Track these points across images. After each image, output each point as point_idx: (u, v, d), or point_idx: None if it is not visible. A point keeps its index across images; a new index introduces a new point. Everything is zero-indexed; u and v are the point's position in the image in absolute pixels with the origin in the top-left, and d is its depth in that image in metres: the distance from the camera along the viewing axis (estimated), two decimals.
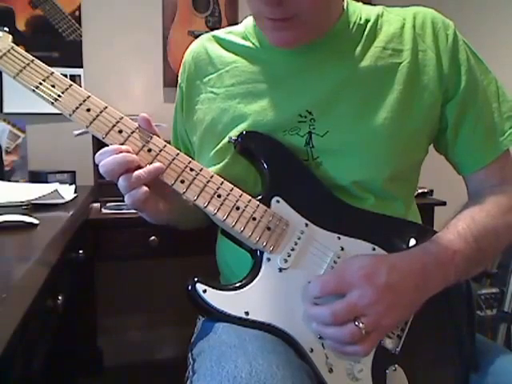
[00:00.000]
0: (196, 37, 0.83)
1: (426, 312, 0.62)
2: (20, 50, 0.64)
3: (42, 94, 0.62)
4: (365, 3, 0.75)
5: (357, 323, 0.55)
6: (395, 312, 0.58)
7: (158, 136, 0.65)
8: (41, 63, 0.64)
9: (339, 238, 0.64)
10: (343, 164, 0.67)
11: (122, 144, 0.62)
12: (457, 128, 0.71)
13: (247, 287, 0.61)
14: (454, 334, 0.68)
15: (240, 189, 0.64)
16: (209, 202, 0.62)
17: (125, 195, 0.62)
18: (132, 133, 0.63)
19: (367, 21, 0.71)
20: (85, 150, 1.45)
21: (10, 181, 1.35)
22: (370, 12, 0.72)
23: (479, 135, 0.71)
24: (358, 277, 0.57)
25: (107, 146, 0.62)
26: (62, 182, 1.27)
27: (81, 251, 1.05)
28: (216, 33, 0.80)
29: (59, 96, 0.62)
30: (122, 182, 0.60)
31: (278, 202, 0.65)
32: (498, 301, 1.75)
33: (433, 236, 0.66)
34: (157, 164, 0.62)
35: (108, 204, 1.37)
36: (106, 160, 0.60)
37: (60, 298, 0.80)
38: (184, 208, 0.76)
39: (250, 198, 0.64)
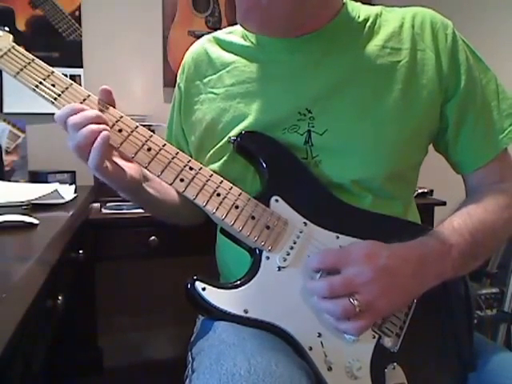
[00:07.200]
0: (196, 37, 0.84)
1: (424, 311, 0.63)
2: (21, 49, 0.64)
3: (43, 93, 0.62)
4: (364, 3, 0.75)
5: (351, 300, 0.56)
6: (390, 295, 0.58)
7: (114, 107, 0.64)
8: (41, 62, 0.64)
9: (338, 237, 0.64)
10: (342, 162, 0.67)
11: (122, 143, 0.62)
12: (457, 127, 0.71)
13: (246, 285, 0.61)
14: (453, 333, 0.68)
15: (238, 187, 0.64)
16: (208, 201, 0.62)
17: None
18: (132, 132, 0.63)
19: (366, 20, 0.71)
20: None
21: (10, 181, 1.35)
22: (368, 11, 0.72)
23: (479, 134, 0.71)
24: (358, 255, 0.59)
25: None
26: (61, 182, 1.27)
27: (81, 251, 1.05)
28: (216, 34, 0.81)
29: (59, 95, 0.63)
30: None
31: (276, 201, 0.65)
32: (498, 301, 1.75)
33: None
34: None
35: (108, 204, 1.37)
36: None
37: (60, 298, 0.80)
38: (175, 199, 0.79)
39: (249, 196, 0.64)
